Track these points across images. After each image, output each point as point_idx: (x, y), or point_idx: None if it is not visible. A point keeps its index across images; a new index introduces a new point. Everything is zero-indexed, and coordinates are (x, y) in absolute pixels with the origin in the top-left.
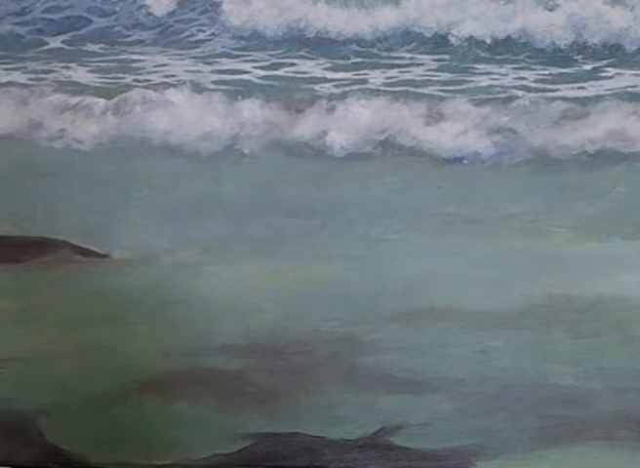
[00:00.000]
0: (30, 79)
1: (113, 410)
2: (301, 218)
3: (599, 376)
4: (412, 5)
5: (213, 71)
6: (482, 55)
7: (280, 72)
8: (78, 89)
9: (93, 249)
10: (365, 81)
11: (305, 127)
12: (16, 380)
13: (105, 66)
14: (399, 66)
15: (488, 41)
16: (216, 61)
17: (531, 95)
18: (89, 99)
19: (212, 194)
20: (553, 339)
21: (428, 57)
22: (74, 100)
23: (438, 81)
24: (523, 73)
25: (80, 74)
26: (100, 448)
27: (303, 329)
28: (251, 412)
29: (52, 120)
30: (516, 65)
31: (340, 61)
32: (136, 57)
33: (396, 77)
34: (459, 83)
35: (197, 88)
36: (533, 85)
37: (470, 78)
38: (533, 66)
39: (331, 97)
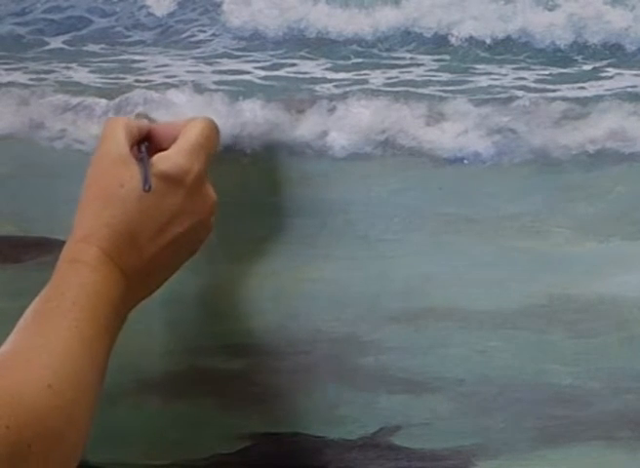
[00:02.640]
0: (31, 79)
1: (113, 410)
2: (302, 218)
3: (599, 376)
4: (412, 5)
5: (214, 72)
6: (482, 55)
7: (281, 72)
8: (79, 89)
9: None
10: (365, 81)
11: (306, 127)
12: None
13: (107, 67)
14: (399, 67)
15: (488, 41)
16: (217, 62)
17: (531, 95)
18: (90, 100)
19: None
20: (553, 339)
21: (429, 57)
22: (75, 101)
23: (438, 81)
24: (523, 73)
25: (81, 74)
26: (99, 447)
27: (304, 328)
28: (251, 412)
29: (53, 120)
30: (516, 65)
31: (341, 62)
32: (137, 57)
33: (397, 77)
34: (459, 83)
35: (198, 88)
36: (533, 85)
37: (470, 78)
38: (533, 66)
39: (331, 98)
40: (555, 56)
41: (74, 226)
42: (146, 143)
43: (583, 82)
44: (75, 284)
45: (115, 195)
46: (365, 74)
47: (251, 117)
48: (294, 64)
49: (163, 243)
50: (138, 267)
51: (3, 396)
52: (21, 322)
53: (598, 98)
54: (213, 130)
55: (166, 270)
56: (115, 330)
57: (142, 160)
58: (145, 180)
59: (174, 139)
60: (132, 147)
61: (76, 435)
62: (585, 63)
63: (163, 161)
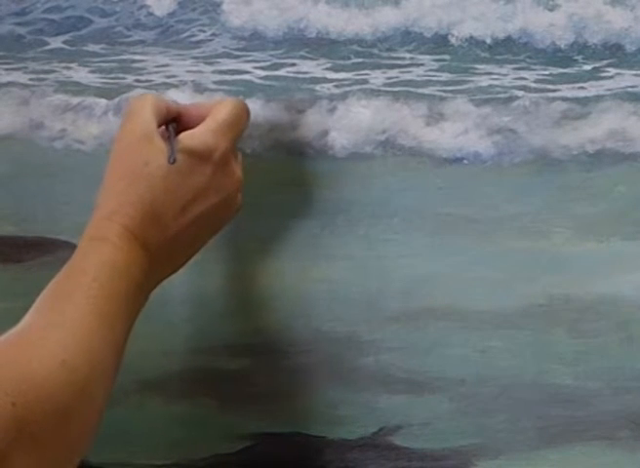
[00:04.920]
0: (31, 79)
1: (113, 410)
2: (303, 218)
3: (599, 376)
4: (412, 5)
5: (214, 71)
6: (482, 55)
7: (281, 72)
8: (79, 89)
9: None
10: (365, 81)
11: (306, 127)
12: None
13: (107, 67)
14: (399, 66)
15: (488, 41)
16: (217, 62)
17: (531, 95)
18: (90, 100)
19: None
20: (553, 339)
21: (429, 57)
22: (75, 101)
23: (439, 81)
24: (523, 73)
25: (81, 74)
26: (99, 447)
27: (304, 328)
28: (251, 412)
29: (53, 120)
30: (516, 65)
31: (341, 62)
32: (137, 57)
33: (397, 77)
34: (459, 83)
35: (198, 88)
36: (533, 85)
37: (471, 78)
38: (533, 66)
39: (332, 98)
40: (555, 56)
41: (97, 203)
42: (174, 124)
43: (583, 82)
44: (96, 261)
45: (140, 173)
46: (365, 74)
47: (251, 117)
48: (294, 64)
49: (187, 221)
50: (161, 245)
51: (12, 372)
52: (40, 298)
53: (598, 98)
54: (242, 109)
55: (190, 248)
56: (136, 308)
57: (170, 137)
58: (171, 153)
59: (202, 120)
60: (159, 126)
61: (89, 411)
62: (585, 63)
63: (190, 138)
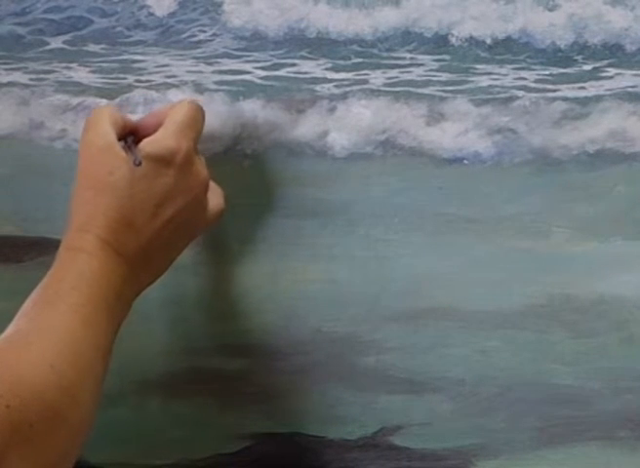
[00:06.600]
0: (31, 79)
1: (113, 410)
2: (302, 218)
3: (599, 376)
4: (412, 5)
5: (214, 72)
6: (482, 55)
7: (281, 72)
8: (79, 89)
9: None
10: (366, 81)
11: (307, 127)
12: None
13: (107, 67)
14: (400, 67)
15: (488, 41)
16: (217, 62)
17: (531, 95)
18: (90, 100)
19: None
20: (553, 339)
21: (429, 57)
22: (75, 101)
23: (439, 81)
24: (523, 73)
25: (81, 74)
26: (99, 447)
27: (304, 329)
28: (251, 412)
29: (53, 120)
30: (516, 65)
31: (341, 62)
32: (137, 57)
33: (397, 77)
34: (459, 83)
35: (199, 88)
36: (533, 85)
37: (471, 78)
38: (533, 66)
39: (332, 98)
40: (555, 56)
41: (70, 216)
42: (132, 136)
43: (583, 82)
44: (74, 270)
45: (106, 182)
46: (365, 74)
47: (251, 117)
48: (294, 64)
49: (159, 225)
50: (137, 251)
51: (4, 375)
52: (21, 310)
53: (598, 98)
54: (197, 110)
55: (167, 252)
56: (119, 314)
57: (130, 147)
58: (135, 158)
59: (159, 127)
60: (119, 138)
61: (80, 416)
62: (585, 63)
63: (151, 144)
